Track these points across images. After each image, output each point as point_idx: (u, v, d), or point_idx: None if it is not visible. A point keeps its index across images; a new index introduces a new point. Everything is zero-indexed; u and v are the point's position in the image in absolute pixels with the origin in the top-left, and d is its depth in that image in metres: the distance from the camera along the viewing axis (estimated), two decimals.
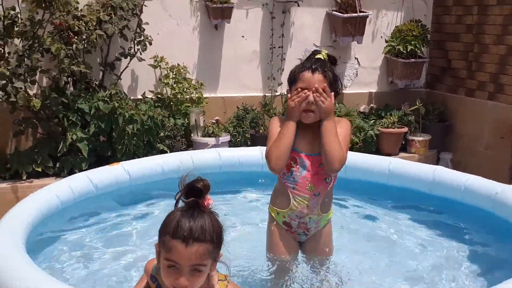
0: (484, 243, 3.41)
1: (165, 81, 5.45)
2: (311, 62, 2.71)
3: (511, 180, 5.34)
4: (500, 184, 3.50)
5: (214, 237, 1.84)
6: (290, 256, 2.83)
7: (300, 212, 2.74)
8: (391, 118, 5.93)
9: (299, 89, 2.66)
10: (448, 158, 6.10)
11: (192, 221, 1.81)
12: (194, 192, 1.88)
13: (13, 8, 4.57)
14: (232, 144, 5.59)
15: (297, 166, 2.71)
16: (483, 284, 2.92)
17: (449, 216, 3.78)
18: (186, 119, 5.45)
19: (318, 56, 2.75)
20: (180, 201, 1.91)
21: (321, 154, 2.66)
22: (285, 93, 5.71)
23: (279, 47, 5.94)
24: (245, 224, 3.66)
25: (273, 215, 2.85)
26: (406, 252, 3.33)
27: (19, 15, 4.60)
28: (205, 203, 1.88)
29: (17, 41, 4.72)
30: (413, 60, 6.12)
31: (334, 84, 2.73)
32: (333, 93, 2.70)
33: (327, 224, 2.87)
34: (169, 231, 1.82)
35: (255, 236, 3.32)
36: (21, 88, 4.54)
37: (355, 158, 4.08)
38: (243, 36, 5.89)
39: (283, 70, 5.99)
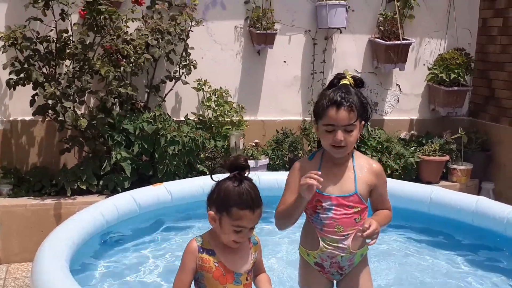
0: None
1: (207, 104, 5.56)
2: (336, 94, 2.50)
3: None
4: None
5: (261, 199, 2.26)
6: None
7: (331, 253, 2.59)
8: (432, 145, 5.86)
9: (325, 131, 2.51)
10: (490, 188, 5.98)
11: (250, 191, 2.21)
12: (238, 166, 2.24)
13: (66, 31, 4.77)
14: (270, 167, 5.63)
15: (323, 208, 2.56)
16: None
17: (491, 249, 3.71)
18: (226, 141, 5.52)
19: (343, 81, 2.58)
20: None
21: (350, 195, 2.55)
22: (312, 125, 5.77)
23: (320, 72, 5.98)
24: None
25: (303, 256, 2.72)
26: (447, 283, 3.29)
27: (71, 38, 4.80)
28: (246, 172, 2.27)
29: (68, 62, 4.91)
30: (456, 88, 6.06)
31: (363, 111, 2.58)
32: (362, 122, 2.58)
33: (362, 260, 2.70)
34: (235, 203, 2.20)
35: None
36: (69, 107, 4.69)
37: (396, 187, 4.06)
38: (284, 62, 5.97)
39: None
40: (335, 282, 2.73)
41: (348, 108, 2.47)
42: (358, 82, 2.62)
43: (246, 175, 2.26)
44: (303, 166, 2.64)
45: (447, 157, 5.82)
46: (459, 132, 5.90)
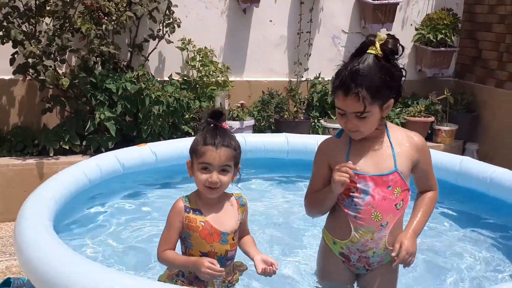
0: (507, 236, 3.37)
1: (192, 64, 5.47)
2: (349, 70, 2.12)
3: None
4: None
5: (236, 146, 2.29)
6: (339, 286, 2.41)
7: (363, 245, 2.28)
8: (418, 107, 5.87)
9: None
10: (474, 149, 6.02)
11: (217, 132, 2.25)
12: (216, 115, 2.30)
13: None
14: (256, 128, 5.61)
15: (358, 191, 2.22)
16: (504, 278, 2.90)
17: (474, 208, 3.75)
18: (211, 102, 5.46)
19: (370, 50, 2.12)
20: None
21: (389, 173, 2.22)
22: (309, 92, 5.70)
23: (307, 32, 5.89)
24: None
25: (328, 243, 2.39)
26: (429, 242, 3.33)
27: None
28: (225, 126, 2.31)
29: (48, 20, 4.78)
30: (443, 49, 6.03)
31: (388, 89, 2.14)
32: (392, 99, 2.19)
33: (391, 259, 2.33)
34: (200, 141, 2.26)
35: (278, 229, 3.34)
36: (50, 66, 4.60)
37: None
38: (271, 21, 5.86)
39: (310, 56, 5.95)
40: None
41: (357, 96, 2.09)
42: (388, 52, 2.13)
43: (223, 125, 2.29)
44: (329, 146, 2.33)
45: (432, 118, 5.83)
46: (445, 93, 5.90)
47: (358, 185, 2.22)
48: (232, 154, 2.26)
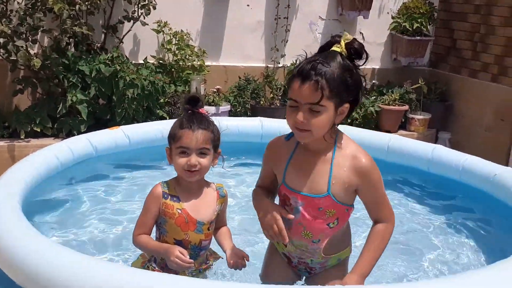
0: (479, 224, 3.43)
1: (168, 47, 5.40)
2: (308, 60, 2.00)
3: (508, 162, 5.36)
4: (498, 166, 3.51)
5: (214, 129, 2.28)
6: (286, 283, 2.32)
7: (300, 254, 2.23)
8: (393, 95, 5.91)
9: (289, 107, 2.02)
10: (446, 137, 6.10)
11: (194, 117, 2.26)
12: (193, 101, 2.30)
13: None
14: (232, 114, 5.57)
15: (291, 207, 2.13)
16: (475, 263, 2.95)
17: (446, 195, 3.80)
18: (186, 87, 5.41)
19: (334, 48, 2.02)
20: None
21: (320, 197, 2.07)
22: (285, 84, 5.69)
23: (284, 18, 5.86)
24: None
25: (273, 241, 2.32)
26: (401, 229, 3.36)
27: None
28: (203, 112, 2.31)
29: None
30: (418, 38, 6.07)
31: (346, 91, 1.99)
32: (347, 104, 2.03)
33: (338, 265, 2.27)
34: (177, 125, 2.26)
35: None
36: (22, 47, 4.50)
37: (355, 134, 4.06)
38: (248, 5, 5.81)
39: (287, 42, 5.93)
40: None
41: (315, 84, 1.93)
42: (352, 52, 2.01)
43: (200, 111, 2.29)
44: (275, 149, 2.21)
45: (406, 107, 5.88)
46: (419, 82, 5.95)
47: (291, 201, 2.12)
48: (209, 136, 2.24)
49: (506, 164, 5.28)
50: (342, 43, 2.03)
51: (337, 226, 2.14)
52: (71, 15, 4.71)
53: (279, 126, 4.28)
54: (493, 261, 2.78)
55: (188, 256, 2.17)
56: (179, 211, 2.25)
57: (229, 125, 4.10)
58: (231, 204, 3.44)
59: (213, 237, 2.41)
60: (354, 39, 2.05)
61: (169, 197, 2.27)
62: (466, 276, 2.11)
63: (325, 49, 2.06)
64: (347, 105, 2.04)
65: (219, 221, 2.42)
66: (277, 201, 2.25)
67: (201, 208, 2.30)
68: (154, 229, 2.33)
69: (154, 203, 2.28)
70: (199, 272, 2.36)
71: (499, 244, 3.13)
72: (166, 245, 2.23)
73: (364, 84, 2.08)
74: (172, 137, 2.27)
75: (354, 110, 2.10)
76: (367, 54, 2.05)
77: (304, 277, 2.36)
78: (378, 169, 2.11)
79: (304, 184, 2.08)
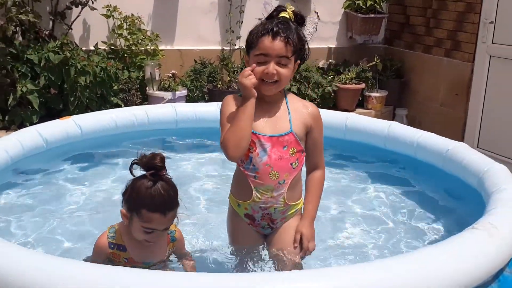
0: (433, 199, 3.49)
1: (119, 32, 5.27)
2: (272, 23, 2.28)
3: (463, 136, 5.47)
4: (451, 141, 3.57)
5: (177, 200, 2.16)
6: (252, 250, 2.47)
7: (264, 203, 2.38)
8: (349, 74, 5.94)
9: (256, 63, 2.27)
10: (403, 114, 6.19)
11: (163, 193, 2.09)
12: (153, 167, 2.10)
13: None
14: (189, 98, 5.50)
15: (256, 151, 2.32)
16: (428, 238, 3.00)
17: (402, 171, 3.86)
18: (141, 72, 5.31)
19: (282, 14, 2.35)
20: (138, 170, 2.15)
21: (285, 134, 2.33)
22: (242, 58, 5.65)
23: None
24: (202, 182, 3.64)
25: (233, 207, 2.49)
26: (358, 204, 3.40)
27: None
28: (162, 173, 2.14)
29: None
30: (372, 15, 6.10)
31: (300, 50, 2.33)
32: (298, 61, 2.35)
33: (295, 215, 2.47)
34: (145, 205, 2.09)
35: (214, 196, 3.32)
36: None
37: None
38: None
39: (242, 23, 5.86)
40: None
41: (285, 39, 2.25)
42: (299, 18, 2.38)
43: (163, 174, 2.13)
44: (235, 100, 2.38)
45: (363, 85, 5.92)
46: (375, 59, 5.99)
47: (257, 145, 2.33)
48: (176, 212, 2.18)
49: (462, 139, 5.40)
50: (289, 11, 2.36)
51: (297, 168, 2.39)
52: (16, 3, 4.56)
53: None
54: (447, 236, 2.86)
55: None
56: (125, 260, 2.21)
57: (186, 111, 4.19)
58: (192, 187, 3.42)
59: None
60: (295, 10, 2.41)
61: (116, 246, 2.21)
62: (421, 253, 2.14)
63: (272, 15, 2.37)
64: (298, 61, 2.37)
65: (179, 257, 2.36)
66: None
67: (149, 254, 2.23)
68: None
69: (100, 254, 2.22)
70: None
71: (452, 220, 3.19)
72: None
73: (307, 44, 2.41)
74: (136, 211, 2.12)
75: (300, 66, 2.42)
76: (304, 19, 2.44)
77: (267, 236, 2.50)
78: (321, 120, 2.45)
79: (269, 127, 2.35)
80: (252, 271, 2.36)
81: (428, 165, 3.65)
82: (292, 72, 2.34)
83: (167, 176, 2.15)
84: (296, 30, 2.31)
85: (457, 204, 3.37)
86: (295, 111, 2.39)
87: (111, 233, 2.23)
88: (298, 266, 2.37)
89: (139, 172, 2.15)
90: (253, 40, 2.30)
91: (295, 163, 2.37)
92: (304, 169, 2.48)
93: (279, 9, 2.38)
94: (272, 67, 2.25)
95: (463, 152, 3.40)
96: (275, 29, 2.25)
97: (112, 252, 2.21)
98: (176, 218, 2.20)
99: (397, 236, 3.00)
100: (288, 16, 2.34)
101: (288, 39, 2.25)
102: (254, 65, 2.28)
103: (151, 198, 2.08)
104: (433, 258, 2.01)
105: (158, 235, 2.15)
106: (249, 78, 2.26)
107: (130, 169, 2.13)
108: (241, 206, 2.44)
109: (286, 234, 2.42)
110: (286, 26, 2.28)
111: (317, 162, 2.47)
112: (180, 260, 2.35)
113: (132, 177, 2.15)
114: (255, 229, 2.48)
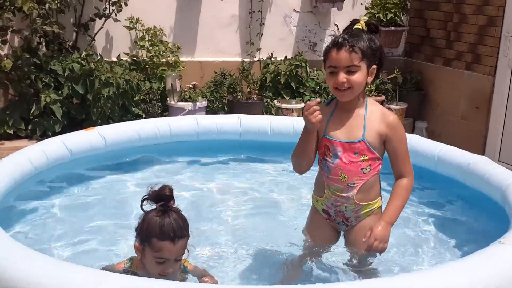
0: (454, 213, 3.46)
1: (141, 44, 5.34)
2: (341, 36, 2.46)
3: (484, 149, 5.43)
4: (473, 155, 3.54)
5: (187, 230, 2.22)
6: (324, 244, 2.68)
7: (335, 201, 2.56)
8: (369, 86, 5.93)
9: (329, 73, 2.45)
10: (423, 126, 6.16)
11: (172, 222, 2.16)
12: (162, 198, 2.19)
13: None
14: (209, 109, 5.55)
15: (330, 155, 2.53)
16: (450, 253, 2.97)
17: (422, 186, 3.83)
18: (162, 83, 5.37)
19: (356, 26, 2.52)
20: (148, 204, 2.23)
21: (356, 142, 2.48)
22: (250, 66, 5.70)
23: (258, 11, 5.83)
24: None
25: (313, 203, 2.72)
26: None
27: None
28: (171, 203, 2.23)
29: None
30: (392, 28, 6.10)
31: (372, 55, 2.47)
32: (374, 66, 2.49)
33: (371, 215, 2.58)
34: (155, 235, 2.15)
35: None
36: None
37: None
38: None
39: (262, 35, 5.90)
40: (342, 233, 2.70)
41: (349, 49, 2.41)
42: (372, 27, 2.54)
43: (172, 205, 2.21)
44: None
45: (382, 97, 5.91)
46: (395, 72, 5.98)
47: (331, 150, 2.51)
48: (186, 241, 2.21)
49: (483, 152, 5.35)
50: (362, 22, 2.53)
51: (369, 173, 2.50)
52: (41, 14, 4.64)
53: (257, 122, 4.30)
54: (469, 250, 2.83)
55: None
56: None
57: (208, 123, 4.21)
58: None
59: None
60: (369, 19, 2.62)
61: (129, 273, 2.26)
62: (442, 269, 2.13)
63: (348, 29, 2.54)
64: (374, 66, 2.50)
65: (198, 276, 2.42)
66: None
67: None
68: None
69: None
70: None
71: (474, 234, 3.16)
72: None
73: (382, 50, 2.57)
74: (148, 242, 2.18)
75: (380, 71, 2.57)
76: (379, 28, 2.60)
77: (342, 233, 2.68)
78: (403, 127, 2.55)
79: (343, 133, 2.51)
80: (324, 267, 2.56)
81: (449, 179, 3.63)
82: (366, 76, 2.48)
83: (176, 207, 2.24)
84: (366, 39, 2.46)
85: (479, 218, 3.34)
86: (372, 120, 2.51)
87: (128, 263, 2.32)
88: (368, 265, 2.54)
89: (150, 207, 2.23)
90: (325, 54, 2.51)
91: (367, 169, 2.50)
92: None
93: (354, 22, 2.56)
94: (341, 76, 2.42)
95: (485, 165, 3.37)
96: (340, 41, 2.43)
97: None
98: (186, 251, 2.25)
99: (418, 250, 2.97)
100: (360, 27, 2.51)
101: (352, 48, 2.41)
102: (318, 99, 2.47)
103: (160, 227, 2.16)
104: (459, 273, 2.00)
105: (170, 266, 2.19)
106: (314, 116, 2.41)
107: (141, 206, 2.23)
108: (319, 202, 2.65)
109: (359, 233, 2.54)
110: (353, 36, 2.44)
111: (400, 171, 2.54)
112: (199, 278, 2.41)
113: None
114: (332, 224, 2.66)
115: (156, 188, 2.21)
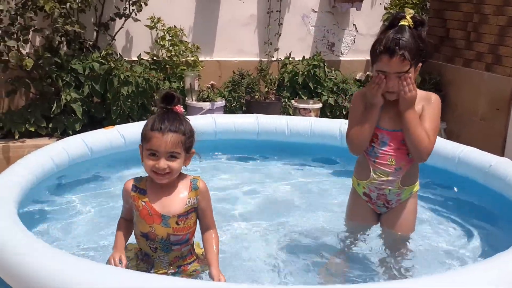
0: (474, 215, 3.43)
1: (161, 43, 5.37)
2: (389, 39, 2.48)
3: (504, 151, 5.37)
4: (494, 156, 3.51)
5: (186, 131, 2.24)
6: (366, 224, 2.82)
7: (380, 184, 2.69)
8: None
9: (379, 74, 2.52)
10: (442, 127, 6.11)
11: (166, 117, 2.21)
12: (167, 99, 2.25)
13: None
14: (227, 109, 5.56)
15: (378, 142, 2.66)
16: (471, 255, 2.94)
17: (443, 186, 3.81)
18: (181, 83, 5.39)
19: (402, 23, 2.54)
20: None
21: (400, 130, 2.60)
22: (268, 66, 5.71)
23: (276, 11, 5.84)
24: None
25: (354, 187, 2.83)
26: None
27: None
28: (178, 110, 2.26)
29: None
30: None
31: (419, 53, 2.54)
32: (420, 63, 2.57)
33: (410, 198, 2.76)
34: (149, 125, 2.21)
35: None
36: (13, 47, 4.47)
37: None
38: None
39: (280, 35, 5.91)
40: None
41: (401, 57, 2.46)
42: (418, 24, 2.57)
43: (181, 110, 2.27)
44: (362, 97, 2.69)
45: None
46: None
47: (379, 137, 2.65)
48: (180, 139, 2.20)
49: (502, 153, 5.30)
50: (408, 17, 2.53)
51: (413, 159, 2.65)
52: (62, 14, 4.68)
53: (275, 122, 4.30)
54: (489, 252, 2.81)
55: (122, 266, 2.20)
56: (143, 203, 2.26)
57: (225, 122, 4.23)
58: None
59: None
60: (415, 12, 2.58)
61: (137, 190, 2.29)
62: (462, 271, 2.12)
63: (393, 24, 2.56)
64: (420, 64, 2.60)
65: (202, 219, 2.35)
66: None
67: (168, 201, 2.27)
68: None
69: (124, 196, 2.34)
70: (177, 273, 2.33)
71: (497, 234, 3.13)
72: (118, 244, 2.32)
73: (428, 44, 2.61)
74: (143, 137, 2.24)
75: (423, 64, 2.64)
76: (425, 22, 2.61)
77: (382, 215, 2.81)
78: (440, 104, 2.73)
79: (391, 123, 2.63)
80: (361, 252, 2.73)
81: (470, 180, 3.60)
82: (414, 76, 2.57)
83: (183, 115, 2.27)
84: (414, 38, 2.50)
85: (499, 220, 3.31)
86: (415, 106, 2.61)
87: (138, 178, 2.35)
88: (407, 246, 2.73)
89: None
90: (374, 55, 2.55)
91: (411, 155, 2.63)
92: None
93: (399, 16, 2.56)
94: (391, 83, 2.53)
95: (506, 167, 3.34)
96: (391, 48, 2.47)
97: (133, 195, 2.29)
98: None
99: (439, 252, 2.95)
100: (407, 24, 2.52)
101: (403, 56, 2.47)
102: (383, 76, 2.52)
103: (154, 119, 2.23)
104: (482, 275, 1.98)
105: (162, 161, 2.17)
106: (378, 89, 2.53)
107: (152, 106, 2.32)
108: (360, 185, 2.77)
109: (400, 215, 2.73)
110: (402, 39, 2.48)
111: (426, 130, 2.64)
112: (202, 226, 2.38)
113: None
114: (372, 207, 2.80)
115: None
